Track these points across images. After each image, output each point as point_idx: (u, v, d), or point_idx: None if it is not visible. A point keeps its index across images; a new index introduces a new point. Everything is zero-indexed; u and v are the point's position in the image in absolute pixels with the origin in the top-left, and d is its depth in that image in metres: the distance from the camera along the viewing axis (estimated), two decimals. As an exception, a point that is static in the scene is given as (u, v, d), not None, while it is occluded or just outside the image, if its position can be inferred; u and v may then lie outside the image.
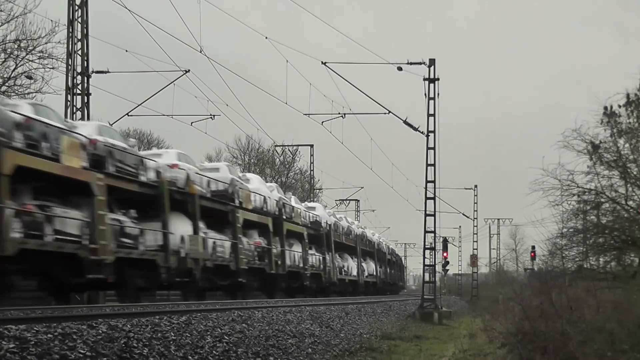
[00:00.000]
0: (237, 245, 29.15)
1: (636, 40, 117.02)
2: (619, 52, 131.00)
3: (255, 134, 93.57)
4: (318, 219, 43.36)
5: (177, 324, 13.53)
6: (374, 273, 58.30)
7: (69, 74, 30.07)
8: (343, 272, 47.94)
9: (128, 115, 34.79)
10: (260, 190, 33.88)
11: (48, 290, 21.36)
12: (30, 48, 31.57)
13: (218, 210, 28.46)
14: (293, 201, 39.96)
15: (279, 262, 34.20)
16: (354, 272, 51.02)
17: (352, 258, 51.19)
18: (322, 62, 34.82)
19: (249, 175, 34.53)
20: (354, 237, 52.67)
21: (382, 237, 68.97)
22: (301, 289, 38.38)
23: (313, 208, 45.05)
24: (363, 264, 54.11)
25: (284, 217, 35.95)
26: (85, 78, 30.23)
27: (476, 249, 74.81)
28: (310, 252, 39.88)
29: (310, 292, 39.29)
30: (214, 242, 27.63)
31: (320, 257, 42.04)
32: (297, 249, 37.80)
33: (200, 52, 29.27)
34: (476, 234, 72.72)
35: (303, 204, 45.12)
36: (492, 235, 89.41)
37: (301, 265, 37.95)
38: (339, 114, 38.56)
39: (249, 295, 30.77)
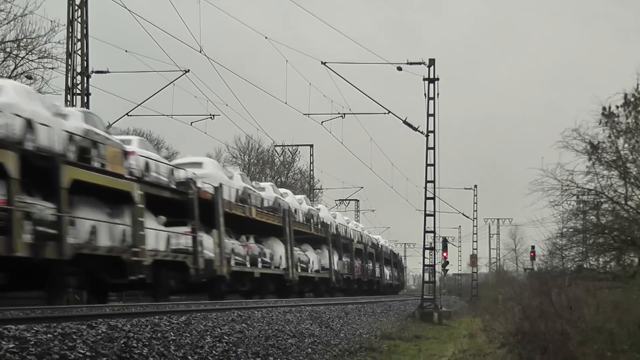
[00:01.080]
0: None
1: (636, 39, 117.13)
2: (619, 52, 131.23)
3: (255, 134, 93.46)
4: (193, 178, 27.10)
5: (176, 324, 13.54)
6: (330, 267, 44.21)
7: (69, 74, 30.07)
8: (260, 263, 33.31)
9: (128, 115, 34.74)
10: (15, 106, 17.30)
11: None
12: (30, 48, 31.62)
13: None
14: (136, 144, 24.48)
15: (54, 238, 17.99)
16: (284, 264, 36.16)
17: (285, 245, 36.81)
18: (321, 62, 34.88)
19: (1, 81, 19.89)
20: (281, 214, 36.88)
21: (354, 222, 59.90)
22: (135, 287, 24.74)
23: (199, 164, 29.98)
24: (307, 254, 40.73)
25: (89, 161, 20.40)
26: (85, 78, 30.24)
27: (476, 249, 74.96)
28: (166, 228, 24.59)
29: (163, 292, 24.73)
30: None
31: (190, 238, 25.86)
32: (125, 220, 22.09)
33: (200, 52, 29.24)
34: (476, 234, 72.89)
35: (185, 158, 32.90)
36: (492, 235, 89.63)
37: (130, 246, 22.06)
38: (339, 114, 38.54)
39: None
